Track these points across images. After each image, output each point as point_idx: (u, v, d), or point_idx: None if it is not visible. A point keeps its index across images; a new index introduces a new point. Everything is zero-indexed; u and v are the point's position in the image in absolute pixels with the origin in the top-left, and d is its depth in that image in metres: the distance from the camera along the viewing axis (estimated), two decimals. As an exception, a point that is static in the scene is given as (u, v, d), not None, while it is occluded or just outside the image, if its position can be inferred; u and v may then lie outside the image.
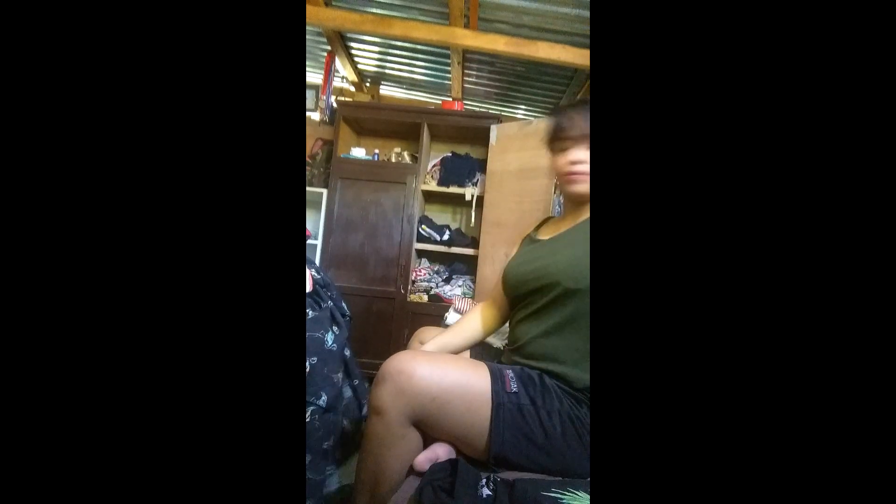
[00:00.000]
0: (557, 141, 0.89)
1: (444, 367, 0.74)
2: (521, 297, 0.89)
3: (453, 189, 2.61)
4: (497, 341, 1.15)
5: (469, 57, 2.44)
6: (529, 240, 0.99)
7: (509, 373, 0.77)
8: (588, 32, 2.00)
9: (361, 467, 0.78)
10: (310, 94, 2.82)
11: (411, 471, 0.75)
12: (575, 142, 0.86)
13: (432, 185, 2.65)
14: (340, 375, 1.08)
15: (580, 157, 0.85)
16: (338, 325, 1.15)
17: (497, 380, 0.75)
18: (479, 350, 1.06)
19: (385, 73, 2.86)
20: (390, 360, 0.74)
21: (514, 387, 0.75)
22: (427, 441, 0.78)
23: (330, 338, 1.09)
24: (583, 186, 0.86)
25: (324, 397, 1.01)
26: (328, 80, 2.63)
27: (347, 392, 1.14)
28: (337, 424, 1.05)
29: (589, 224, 0.83)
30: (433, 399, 0.72)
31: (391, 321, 2.47)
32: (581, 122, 0.84)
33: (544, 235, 0.95)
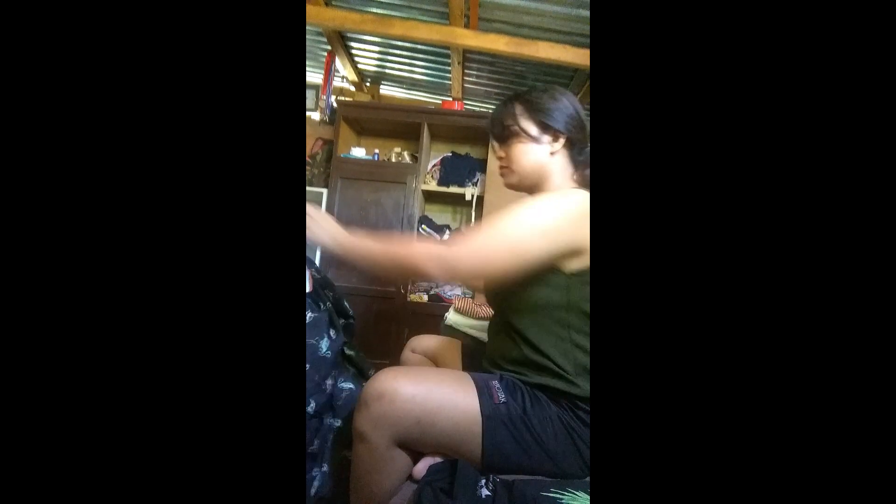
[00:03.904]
0: (490, 135, 0.91)
1: (428, 387, 0.72)
2: (493, 305, 0.90)
3: (453, 189, 2.60)
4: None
5: (469, 57, 2.44)
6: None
7: (495, 383, 0.76)
8: (588, 32, 2.00)
9: (353, 488, 0.76)
10: (310, 94, 2.81)
11: (409, 478, 0.74)
12: (497, 138, 0.88)
13: (432, 185, 2.65)
14: (331, 382, 1.07)
15: (500, 154, 0.88)
16: (335, 328, 1.14)
17: (484, 392, 0.73)
18: (472, 347, 1.07)
19: (385, 73, 2.86)
20: (371, 382, 0.72)
21: (501, 397, 0.73)
22: (420, 454, 0.76)
23: (324, 344, 1.07)
24: (507, 180, 0.89)
25: (312, 404, 1.01)
26: (328, 79, 2.63)
27: (348, 385, 1.12)
28: (323, 429, 1.04)
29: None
30: (418, 422, 0.70)
31: (391, 321, 2.47)
32: (505, 118, 0.86)
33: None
